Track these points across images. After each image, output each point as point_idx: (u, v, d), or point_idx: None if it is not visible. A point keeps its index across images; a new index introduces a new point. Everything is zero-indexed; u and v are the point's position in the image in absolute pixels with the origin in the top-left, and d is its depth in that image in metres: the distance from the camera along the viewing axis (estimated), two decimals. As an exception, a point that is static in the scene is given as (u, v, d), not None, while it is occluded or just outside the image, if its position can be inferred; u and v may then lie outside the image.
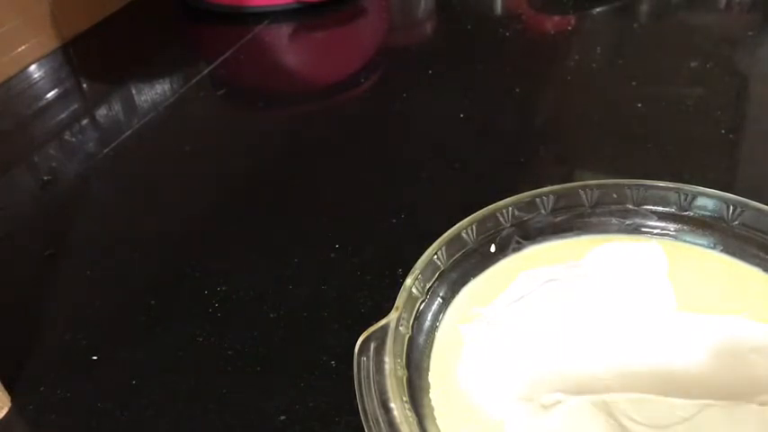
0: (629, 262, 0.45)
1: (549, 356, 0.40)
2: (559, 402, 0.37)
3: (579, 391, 0.37)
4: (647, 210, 0.48)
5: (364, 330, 0.39)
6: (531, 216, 0.47)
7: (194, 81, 0.78)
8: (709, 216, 0.46)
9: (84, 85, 0.82)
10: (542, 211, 0.48)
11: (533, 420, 0.37)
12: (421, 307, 0.43)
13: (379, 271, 0.50)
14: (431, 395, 0.40)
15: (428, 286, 0.44)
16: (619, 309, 0.42)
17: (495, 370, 0.40)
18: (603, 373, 0.39)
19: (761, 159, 0.60)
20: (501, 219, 0.46)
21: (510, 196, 0.47)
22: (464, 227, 0.45)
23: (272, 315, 0.49)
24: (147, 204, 0.62)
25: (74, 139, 0.71)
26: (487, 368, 0.40)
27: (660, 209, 0.48)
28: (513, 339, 0.41)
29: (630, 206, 0.48)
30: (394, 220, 0.56)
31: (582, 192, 0.48)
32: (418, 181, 0.61)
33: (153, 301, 0.51)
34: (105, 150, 0.68)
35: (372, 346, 0.39)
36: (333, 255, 0.53)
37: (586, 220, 0.48)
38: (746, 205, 0.45)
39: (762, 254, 0.44)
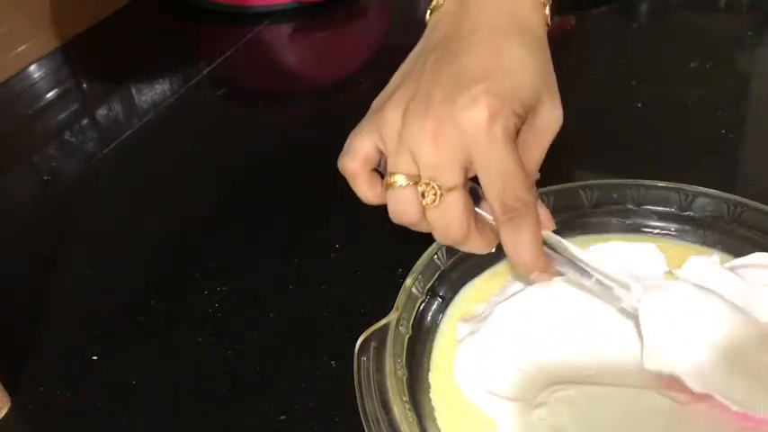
0: (623, 261, 0.45)
1: (540, 355, 0.40)
2: (546, 403, 0.37)
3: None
4: (647, 210, 0.48)
5: (364, 330, 0.39)
6: (531, 216, 0.47)
7: (194, 81, 0.78)
8: (710, 216, 0.46)
9: (84, 85, 0.82)
10: (542, 211, 0.48)
11: (523, 419, 0.37)
12: (421, 307, 0.43)
13: (379, 271, 0.50)
14: (431, 395, 0.40)
15: (428, 286, 0.44)
16: (608, 306, 0.42)
17: (488, 368, 0.40)
18: (592, 370, 0.39)
19: (761, 159, 0.60)
20: (501, 218, 0.46)
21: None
22: (464, 227, 0.45)
23: (271, 315, 0.49)
24: (147, 204, 0.62)
25: (74, 139, 0.71)
26: (481, 366, 0.40)
27: (660, 209, 0.48)
28: (505, 338, 0.41)
29: (630, 206, 0.48)
30: (394, 220, 0.56)
31: (582, 192, 0.48)
32: (418, 181, 0.61)
33: (153, 301, 0.51)
34: (105, 150, 0.68)
35: (372, 346, 0.39)
36: (333, 255, 0.53)
37: (586, 220, 0.48)
38: (746, 205, 0.45)
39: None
